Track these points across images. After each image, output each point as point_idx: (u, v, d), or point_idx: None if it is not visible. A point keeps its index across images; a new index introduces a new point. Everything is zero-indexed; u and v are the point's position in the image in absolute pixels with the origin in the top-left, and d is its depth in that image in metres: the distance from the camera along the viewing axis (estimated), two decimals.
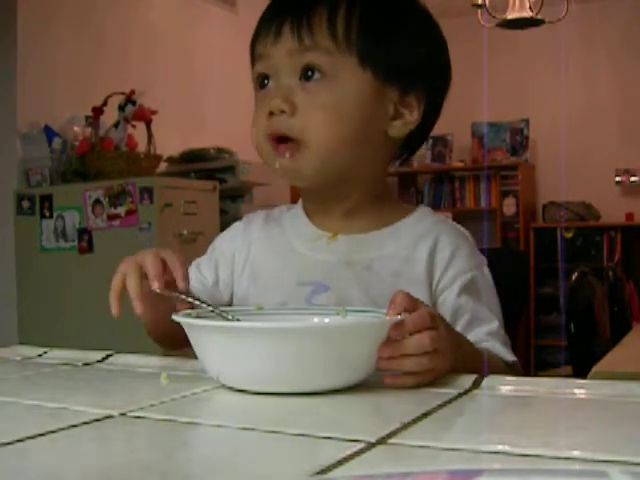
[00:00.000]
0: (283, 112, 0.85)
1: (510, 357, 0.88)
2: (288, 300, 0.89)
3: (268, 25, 0.88)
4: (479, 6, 3.58)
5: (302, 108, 0.85)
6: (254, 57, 0.92)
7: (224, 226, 1.09)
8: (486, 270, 0.93)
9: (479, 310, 0.89)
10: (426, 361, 0.66)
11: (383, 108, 0.88)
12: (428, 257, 0.90)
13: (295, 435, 0.52)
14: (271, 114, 0.86)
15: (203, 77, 4.07)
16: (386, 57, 0.87)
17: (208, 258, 1.01)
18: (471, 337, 0.85)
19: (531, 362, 4.74)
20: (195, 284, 0.93)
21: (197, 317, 0.71)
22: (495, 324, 0.89)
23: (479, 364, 0.75)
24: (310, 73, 0.86)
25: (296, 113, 0.85)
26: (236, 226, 1.03)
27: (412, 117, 0.90)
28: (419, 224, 0.93)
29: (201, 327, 0.67)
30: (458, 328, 0.87)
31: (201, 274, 0.99)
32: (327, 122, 0.85)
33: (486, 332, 0.88)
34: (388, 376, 0.66)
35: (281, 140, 0.87)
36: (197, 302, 0.75)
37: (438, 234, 0.92)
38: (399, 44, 0.88)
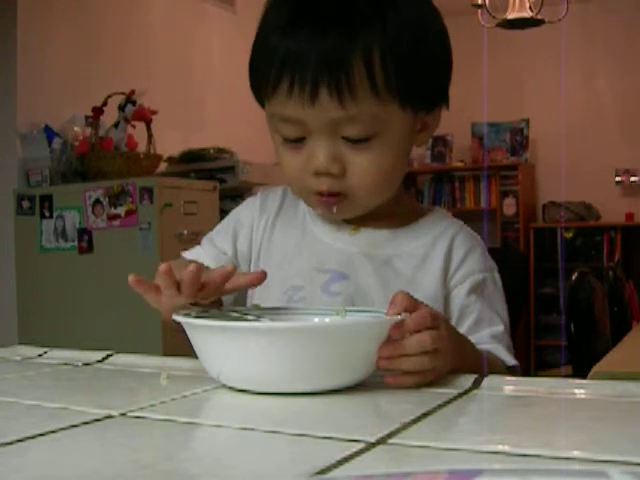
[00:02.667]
0: (330, 173, 0.83)
1: (511, 361, 0.88)
2: (305, 284, 0.90)
3: (298, 84, 0.78)
4: (479, 6, 3.59)
5: (351, 168, 0.83)
6: (272, 110, 0.84)
7: None
8: (497, 275, 0.94)
9: (486, 312, 0.90)
10: (426, 361, 0.66)
11: (414, 129, 0.88)
12: (445, 255, 0.91)
13: (295, 435, 0.52)
14: (316, 173, 0.83)
15: (203, 77, 4.07)
16: (422, 90, 0.85)
17: (224, 230, 0.99)
18: (475, 338, 0.85)
19: (531, 362, 4.74)
20: (207, 261, 0.90)
21: (197, 317, 0.71)
22: (500, 327, 0.90)
23: (479, 365, 0.75)
24: (356, 138, 0.82)
25: (346, 174, 0.83)
26: (252, 200, 1.01)
27: (435, 123, 0.90)
28: (437, 224, 0.94)
29: (201, 327, 0.67)
30: (464, 327, 0.88)
31: (217, 248, 0.97)
32: (377, 176, 0.84)
33: (490, 334, 0.89)
34: (389, 376, 0.66)
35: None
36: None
37: (455, 233, 0.93)
38: (431, 73, 0.85)
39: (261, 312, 0.78)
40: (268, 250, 0.96)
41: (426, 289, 0.89)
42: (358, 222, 0.93)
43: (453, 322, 0.89)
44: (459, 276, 0.91)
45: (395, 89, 0.81)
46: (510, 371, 0.87)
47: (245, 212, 1.00)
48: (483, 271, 0.92)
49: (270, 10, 0.84)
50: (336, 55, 0.77)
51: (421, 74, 0.83)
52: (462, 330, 0.87)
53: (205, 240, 0.99)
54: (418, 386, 0.66)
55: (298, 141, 0.84)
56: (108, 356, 0.86)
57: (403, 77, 0.81)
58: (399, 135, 0.85)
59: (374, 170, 0.84)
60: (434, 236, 0.93)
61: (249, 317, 0.74)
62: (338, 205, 0.86)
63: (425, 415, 0.56)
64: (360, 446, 0.48)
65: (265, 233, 0.97)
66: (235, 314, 0.74)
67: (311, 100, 0.78)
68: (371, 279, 0.89)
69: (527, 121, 5.00)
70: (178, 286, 0.70)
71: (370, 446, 0.48)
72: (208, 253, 0.96)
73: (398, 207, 0.94)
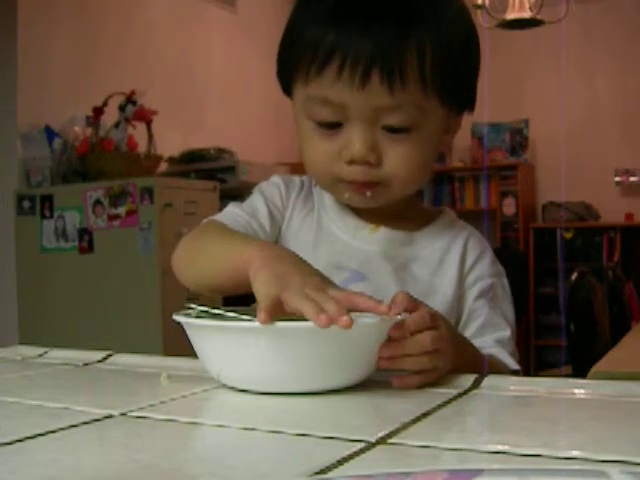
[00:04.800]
0: (367, 162, 0.82)
1: (514, 366, 0.88)
2: None
3: (349, 66, 0.77)
4: (479, 6, 3.58)
5: (387, 158, 0.82)
6: (311, 92, 0.82)
7: None
8: (505, 280, 0.95)
9: (493, 316, 0.90)
10: (427, 361, 0.66)
11: (443, 129, 0.88)
12: (459, 260, 0.92)
13: (295, 435, 0.52)
14: (351, 161, 0.82)
15: (203, 77, 4.07)
16: (462, 91, 0.86)
17: (263, 207, 0.94)
18: (480, 342, 0.86)
19: (531, 362, 4.74)
20: (244, 232, 0.88)
21: (197, 317, 0.71)
22: (506, 333, 0.90)
23: (480, 365, 0.75)
24: (398, 128, 0.81)
25: (381, 163, 0.82)
26: (278, 184, 0.97)
27: (457, 127, 0.91)
28: (449, 228, 0.95)
29: (201, 327, 0.67)
30: (470, 330, 0.89)
31: (259, 224, 0.92)
32: (412, 168, 0.84)
33: (496, 339, 0.89)
34: (395, 377, 0.66)
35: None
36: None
37: (467, 237, 0.94)
38: (470, 75, 0.87)
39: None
40: (285, 240, 0.94)
41: (445, 294, 0.89)
42: (378, 221, 0.92)
43: (461, 325, 0.90)
44: (469, 280, 0.92)
45: (440, 85, 0.81)
46: (513, 375, 0.87)
47: (276, 196, 0.96)
48: (492, 276, 0.93)
49: None
50: (391, 43, 0.77)
51: (462, 74, 0.84)
52: (468, 333, 0.88)
53: (244, 210, 0.93)
54: (422, 386, 0.66)
55: (333, 127, 0.82)
56: (108, 356, 0.86)
57: (449, 74, 0.81)
58: (435, 131, 0.85)
59: (410, 161, 0.83)
60: (447, 241, 0.93)
61: (244, 317, 0.74)
62: (372, 191, 0.85)
63: (425, 415, 0.56)
64: (360, 446, 0.48)
65: (284, 221, 0.95)
66: (231, 314, 0.74)
67: (362, 84, 0.77)
68: (390, 281, 0.89)
69: (527, 121, 5.00)
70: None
71: (370, 446, 0.48)
72: (248, 224, 0.91)
73: (411, 209, 0.94)
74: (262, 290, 0.66)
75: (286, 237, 0.95)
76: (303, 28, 0.82)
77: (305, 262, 0.72)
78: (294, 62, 0.83)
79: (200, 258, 0.84)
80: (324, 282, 0.69)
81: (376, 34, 0.77)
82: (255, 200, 0.96)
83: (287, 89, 0.88)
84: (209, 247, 0.83)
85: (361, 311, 0.66)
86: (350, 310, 0.62)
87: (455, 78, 0.83)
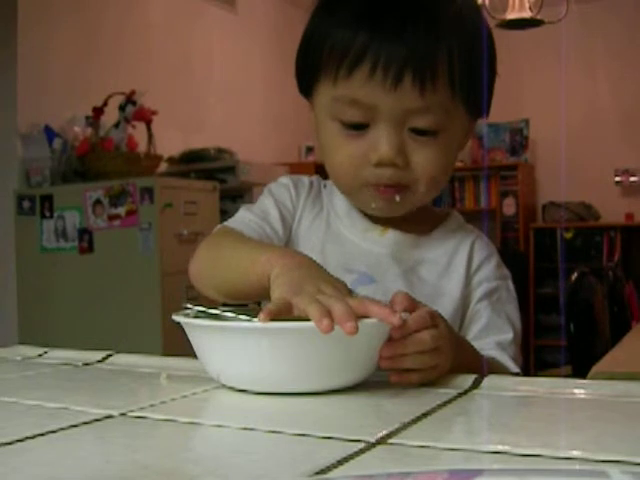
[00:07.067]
0: (394, 164, 0.82)
1: (514, 369, 0.88)
2: None
3: (382, 68, 0.78)
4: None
5: (414, 160, 0.82)
6: (340, 93, 0.81)
7: None
8: (510, 284, 0.95)
9: (495, 319, 0.90)
10: (427, 359, 0.66)
11: (464, 134, 0.89)
12: (466, 262, 0.92)
13: (295, 435, 0.52)
14: (379, 164, 0.82)
15: (203, 77, 4.07)
16: (484, 97, 0.86)
17: (275, 210, 0.94)
18: (480, 344, 0.86)
19: (531, 362, 4.74)
20: (258, 237, 0.88)
21: (196, 317, 0.70)
22: (509, 336, 0.89)
23: (479, 366, 0.75)
24: (425, 130, 0.82)
25: (408, 166, 0.82)
26: (287, 185, 0.97)
27: (472, 132, 0.91)
28: (456, 231, 0.95)
29: (201, 327, 0.67)
30: (472, 332, 0.89)
31: (272, 228, 0.92)
32: (437, 171, 0.84)
33: (496, 341, 0.88)
34: (394, 374, 0.66)
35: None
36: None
37: (474, 240, 0.95)
38: (490, 79, 0.87)
39: (257, 312, 0.78)
40: (295, 241, 0.94)
41: (452, 296, 0.89)
42: (386, 223, 0.92)
43: (463, 327, 0.90)
44: (474, 282, 0.92)
45: (466, 88, 0.82)
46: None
47: (284, 196, 0.96)
48: (497, 279, 0.93)
49: None
50: (424, 45, 0.78)
51: (484, 78, 0.84)
52: (469, 335, 0.88)
53: (256, 214, 0.93)
54: (422, 383, 0.67)
55: (359, 128, 0.82)
56: (108, 356, 0.86)
57: (474, 78, 0.82)
58: (459, 135, 0.86)
59: (436, 164, 0.83)
60: (455, 244, 0.93)
61: (243, 317, 0.74)
62: (401, 196, 0.85)
63: (425, 415, 0.56)
64: (360, 446, 0.48)
65: (294, 223, 0.95)
66: (229, 314, 0.74)
67: (394, 86, 0.78)
68: (399, 283, 0.88)
69: (527, 121, 5.00)
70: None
71: (370, 446, 0.48)
72: (262, 229, 0.91)
73: (420, 211, 0.93)
74: (276, 293, 0.68)
75: (297, 238, 0.94)
76: (329, 30, 0.82)
77: (324, 270, 0.72)
78: (319, 64, 0.83)
79: (222, 268, 0.84)
80: (340, 289, 0.69)
81: (408, 36, 0.78)
82: (266, 203, 0.95)
83: (306, 90, 0.88)
84: (229, 256, 0.83)
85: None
86: (363, 317, 0.62)
87: (479, 81, 0.83)
